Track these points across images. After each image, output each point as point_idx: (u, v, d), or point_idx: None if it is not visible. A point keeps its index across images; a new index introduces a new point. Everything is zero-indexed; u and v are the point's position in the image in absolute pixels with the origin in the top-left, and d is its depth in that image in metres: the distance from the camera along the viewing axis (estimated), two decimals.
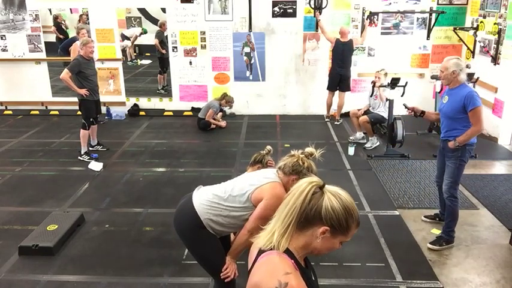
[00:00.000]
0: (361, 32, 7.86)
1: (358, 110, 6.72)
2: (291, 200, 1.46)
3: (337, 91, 7.70)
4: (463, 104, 3.71)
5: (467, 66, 3.86)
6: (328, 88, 7.74)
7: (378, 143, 6.57)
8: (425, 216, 4.49)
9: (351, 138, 6.85)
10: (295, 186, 1.48)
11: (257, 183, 2.64)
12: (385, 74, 6.47)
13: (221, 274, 2.68)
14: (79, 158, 6.16)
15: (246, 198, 2.62)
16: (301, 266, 1.48)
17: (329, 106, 7.89)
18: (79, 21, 10.77)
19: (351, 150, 6.32)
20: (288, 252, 1.45)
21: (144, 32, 13.47)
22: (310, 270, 1.59)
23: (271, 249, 1.45)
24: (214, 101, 7.69)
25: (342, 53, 7.41)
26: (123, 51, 12.34)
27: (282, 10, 7.93)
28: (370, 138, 6.58)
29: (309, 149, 2.63)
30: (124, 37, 13.12)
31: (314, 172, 2.61)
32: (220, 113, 7.80)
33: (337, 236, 1.46)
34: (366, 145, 6.59)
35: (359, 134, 6.71)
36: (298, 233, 1.46)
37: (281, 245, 1.44)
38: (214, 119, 7.54)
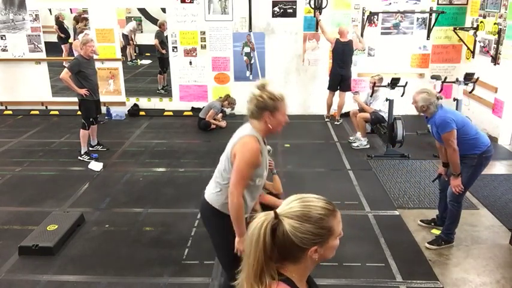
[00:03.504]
0: (361, 33, 7.86)
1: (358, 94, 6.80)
2: (251, 251, 1.30)
3: (338, 91, 7.70)
4: (438, 132, 3.76)
5: (438, 98, 3.88)
6: (328, 88, 7.74)
7: (367, 145, 6.57)
8: (421, 221, 4.41)
9: (351, 138, 6.85)
10: (249, 233, 1.32)
11: (231, 145, 2.59)
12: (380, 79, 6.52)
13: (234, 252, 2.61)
14: (79, 158, 6.15)
15: (230, 163, 2.57)
16: None
17: (329, 106, 7.88)
18: (78, 21, 10.76)
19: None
20: (287, 280, 1.34)
21: (138, 21, 13.42)
22: None
23: None
24: (216, 101, 7.69)
25: (342, 53, 7.40)
26: (123, 49, 12.36)
27: (282, 10, 7.93)
28: (361, 138, 6.58)
29: (259, 82, 2.57)
30: (124, 36, 13.19)
31: (279, 96, 2.53)
32: (221, 114, 7.81)
33: (328, 241, 1.35)
34: (353, 144, 6.62)
35: (359, 134, 6.70)
36: (291, 266, 1.35)
37: None
38: (214, 119, 7.54)
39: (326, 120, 7.94)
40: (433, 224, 4.33)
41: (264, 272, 1.30)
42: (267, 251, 1.29)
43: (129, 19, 14.29)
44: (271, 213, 1.32)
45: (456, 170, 3.76)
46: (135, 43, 13.87)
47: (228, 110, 8.08)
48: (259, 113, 2.54)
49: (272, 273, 1.31)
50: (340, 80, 7.54)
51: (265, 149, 2.65)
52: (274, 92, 2.56)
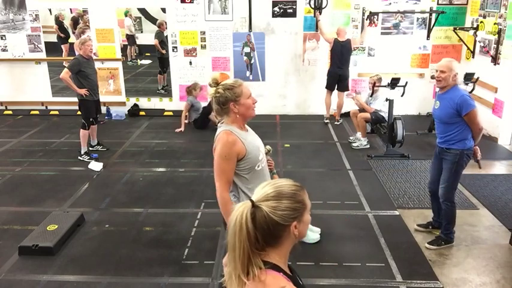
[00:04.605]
0: (361, 32, 7.86)
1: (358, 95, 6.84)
2: (235, 242, 1.33)
3: (336, 91, 7.70)
4: (456, 110, 3.65)
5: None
6: (326, 87, 7.72)
7: (367, 145, 6.58)
8: (418, 225, 4.35)
9: (350, 138, 6.85)
10: (231, 225, 1.36)
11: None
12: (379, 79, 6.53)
13: None
14: (79, 158, 6.15)
15: None
16: (288, 275, 1.42)
17: (328, 106, 7.87)
18: (75, 22, 10.78)
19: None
20: (273, 266, 1.38)
21: (126, 13, 13.42)
22: (296, 275, 1.53)
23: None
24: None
25: (341, 53, 7.39)
26: (124, 49, 12.35)
27: (282, 10, 7.93)
28: (361, 138, 6.59)
29: (210, 80, 2.61)
30: (129, 37, 13.22)
31: (234, 83, 2.57)
32: None
33: (304, 215, 1.44)
34: (353, 144, 6.63)
35: (359, 134, 6.70)
36: (273, 250, 1.40)
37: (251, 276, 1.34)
38: (212, 119, 7.54)
39: (326, 120, 7.93)
40: (430, 227, 4.28)
41: (251, 263, 1.33)
42: (251, 239, 1.33)
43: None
44: (248, 202, 1.37)
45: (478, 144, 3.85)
46: (136, 37, 13.80)
47: None
48: (225, 108, 2.57)
49: (258, 263, 1.35)
50: (338, 79, 7.52)
51: (248, 134, 2.66)
52: (227, 81, 2.59)
